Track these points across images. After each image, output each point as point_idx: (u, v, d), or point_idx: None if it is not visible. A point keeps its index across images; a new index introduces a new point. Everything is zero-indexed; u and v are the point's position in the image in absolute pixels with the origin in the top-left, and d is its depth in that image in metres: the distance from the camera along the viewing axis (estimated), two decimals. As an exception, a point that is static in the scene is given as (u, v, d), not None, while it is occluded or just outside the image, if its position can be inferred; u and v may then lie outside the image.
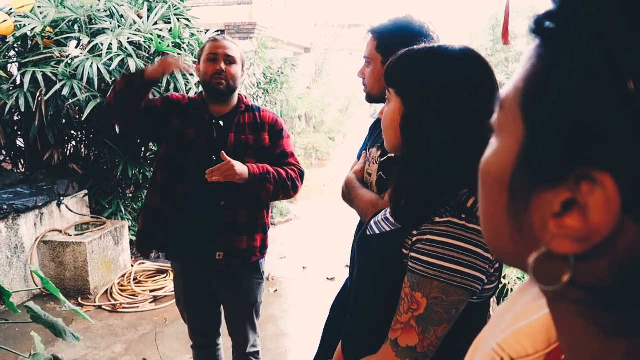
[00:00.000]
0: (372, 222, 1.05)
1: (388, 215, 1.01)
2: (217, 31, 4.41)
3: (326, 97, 12.33)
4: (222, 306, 2.05)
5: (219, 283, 1.94)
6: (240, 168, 1.69)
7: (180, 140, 1.82)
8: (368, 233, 1.04)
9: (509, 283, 2.65)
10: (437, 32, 1.43)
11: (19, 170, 4.30)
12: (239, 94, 1.92)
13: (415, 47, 0.94)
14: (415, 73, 0.91)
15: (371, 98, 1.53)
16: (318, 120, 11.54)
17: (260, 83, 5.50)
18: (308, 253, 4.58)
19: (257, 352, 2.09)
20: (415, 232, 0.89)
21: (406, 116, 0.91)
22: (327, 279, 3.95)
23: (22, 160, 4.31)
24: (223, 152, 1.69)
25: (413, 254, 0.88)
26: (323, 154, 9.52)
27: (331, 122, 11.92)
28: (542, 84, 0.31)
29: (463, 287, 0.84)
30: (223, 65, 1.78)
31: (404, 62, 0.93)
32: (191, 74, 3.68)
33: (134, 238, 4.12)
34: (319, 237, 5.10)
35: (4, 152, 4.26)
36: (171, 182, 1.83)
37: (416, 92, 0.90)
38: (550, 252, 0.30)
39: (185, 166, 1.81)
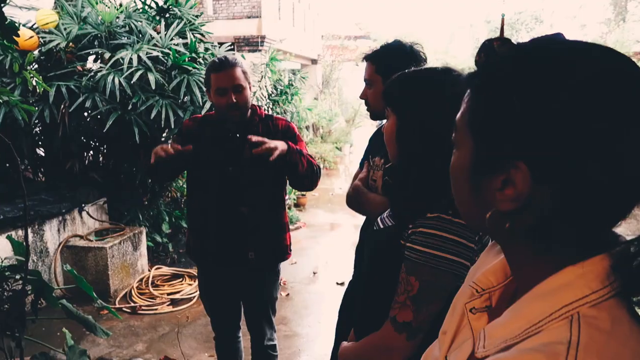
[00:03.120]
0: (378, 219, 1.20)
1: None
2: (230, 44, 4.59)
3: (333, 107, 12.52)
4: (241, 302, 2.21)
5: (240, 280, 2.09)
6: (277, 143, 1.82)
7: (197, 161, 1.96)
8: (375, 228, 1.19)
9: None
10: (425, 51, 1.65)
11: (38, 179, 4.48)
12: (253, 105, 2.03)
13: (408, 70, 1.11)
14: (407, 93, 1.07)
15: (376, 115, 1.71)
16: (325, 131, 11.72)
17: (271, 94, 5.67)
18: (317, 259, 4.71)
19: (274, 346, 2.23)
20: (410, 226, 1.04)
21: (400, 131, 1.08)
22: (337, 283, 4.08)
23: (41, 169, 4.50)
24: (250, 136, 1.81)
25: (408, 244, 1.03)
26: (330, 164, 9.67)
27: (338, 132, 12.10)
28: (475, 115, 0.54)
29: (450, 272, 0.99)
30: (234, 98, 1.89)
31: (398, 83, 1.10)
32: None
33: (151, 244, 4.28)
34: (327, 244, 5.24)
35: (26, 162, 4.44)
36: (199, 198, 2.03)
37: (407, 110, 1.07)
38: (498, 211, 0.52)
39: (206, 182, 1.97)
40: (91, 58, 4.24)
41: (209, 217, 2.00)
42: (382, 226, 1.17)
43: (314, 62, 14.16)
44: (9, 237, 1.94)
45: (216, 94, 1.91)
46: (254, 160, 1.92)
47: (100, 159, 4.50)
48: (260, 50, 9.27)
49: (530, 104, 0.48)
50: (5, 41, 1.86)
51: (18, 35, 1.84)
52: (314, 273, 4.36)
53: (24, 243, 1.62)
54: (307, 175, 1.95)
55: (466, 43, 24.32)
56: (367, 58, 1.68)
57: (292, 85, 5.71)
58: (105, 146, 4.42)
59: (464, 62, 14.34)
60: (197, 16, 4.55)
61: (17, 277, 1.81)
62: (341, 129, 12.44)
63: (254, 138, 1.80)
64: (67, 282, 3.61)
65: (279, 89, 5.67)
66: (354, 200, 1.67)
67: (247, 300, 2.17)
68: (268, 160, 1.92)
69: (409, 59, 1.56)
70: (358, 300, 1.25)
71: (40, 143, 4.34)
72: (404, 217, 1.07)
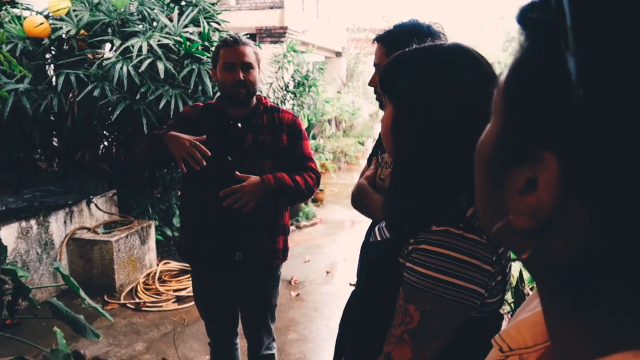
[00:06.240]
0: (375, 229, 1.01)
1: None
2: (246, 34, 4.42)
3: (356, 101, 12.28)
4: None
5: (236, 284, 1.94)
6: (253, 187, 1.70)
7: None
8: (371, 240, 0.99)
9: (522, 287, 2.55)
10: (445, 31, 1.40)
11: (52, 169, 4.43)
12: (258, 95, 1.91)
13: (407, 49, 0.89)
14: (404, 76, 0.86)
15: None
16: (347, 125, 11.50)
17: (288, 86, 5.51)
18: (332, 258, 4.54)
19: (272, 355, 2.07)
20: (412, 241, 0.84)
21: (395, 122, 0.87)
22: (351, 284, 3.90)
23: (56, 159, 4.44)
24: (237, 172, 1.72)
25: (408, 264, 0.83)
26: (351, 158, 9.46)
27: (361, 127, 11.86)
28: (515, 71, 0.34)
29: (458, 301, 0.79)
30: (242, 75, 1.77)
31: (394, 64, 0.89)
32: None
33: (160, 238, 4.18)
34: (344, 243, 5.06)
35: (39, 151, 4.39)
36: (193, 188, 1.87)
37: (405, 96, 0.85)
38: (510, 226, 0.33)
39: (202, 172, 1.81)
40: (107, 47, 4.15)
41: (203, 211, 1.84)
42: (379, 238, 0.98)
43: (338, 54, 13.92)
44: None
45: (223, 70, 1.79)
46: (255, 151, 1.81)
47: (113, 150, 4.42)
48: (282, 42, 9.10)
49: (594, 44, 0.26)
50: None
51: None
52: (327, 272, 4.19)
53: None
54: (289, 203, 1.90)
55: (496, 36, 23.66)
56: (378, 39, 1.46)
57: (310, 76, 5.52)
58: (114, 136, 4.33)
59: (494, 55, 13.91)
60: (213, 4, 4.42)
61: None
62: (364, 123, 12.18)
63: (223, 192, 1.71)
64: (72, 273, 3.53)
65: (296, 80, 5.50)
66: (358, 200, 1.49)
67: (242, 306, 2.01)
68: (271, 151, 1.83)
69: (427, 39, 1.34)
70: (352, 324, 1.06)
71: (54, 133, 4.29)
72: (402, 229, 0.87)
